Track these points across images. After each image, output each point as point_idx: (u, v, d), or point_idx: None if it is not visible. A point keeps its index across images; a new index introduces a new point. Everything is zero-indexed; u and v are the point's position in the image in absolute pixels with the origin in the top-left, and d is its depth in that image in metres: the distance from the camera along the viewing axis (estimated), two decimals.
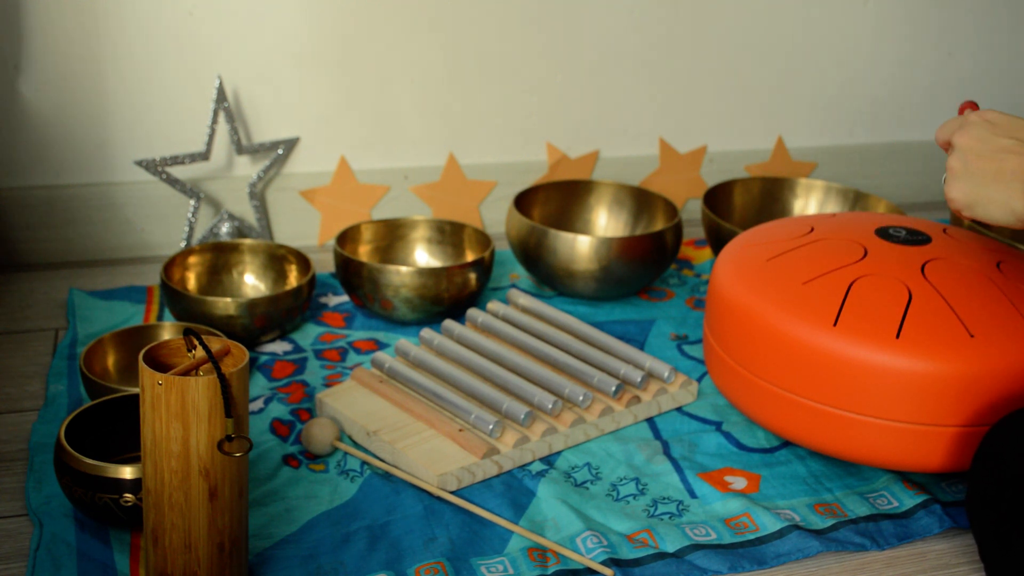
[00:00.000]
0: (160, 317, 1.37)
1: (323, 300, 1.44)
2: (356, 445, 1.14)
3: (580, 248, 1.39)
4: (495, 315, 1.34)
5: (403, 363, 1.23)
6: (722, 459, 1.14)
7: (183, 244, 1.53)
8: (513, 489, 1.08)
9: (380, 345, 1.34)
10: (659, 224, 1.53)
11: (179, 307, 1.29)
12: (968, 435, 1.01)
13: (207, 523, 0.87)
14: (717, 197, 1.58)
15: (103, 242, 1.54)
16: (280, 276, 1.42)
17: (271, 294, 1.30)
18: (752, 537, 1.02)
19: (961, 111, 1.08)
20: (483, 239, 1.43)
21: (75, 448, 0.99)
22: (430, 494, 1.06)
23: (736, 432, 1.19)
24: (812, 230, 1.17)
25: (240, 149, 1.52)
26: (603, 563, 0.97)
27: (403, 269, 1.32)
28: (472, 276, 1.36)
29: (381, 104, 1.60)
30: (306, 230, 1.62)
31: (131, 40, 1.46)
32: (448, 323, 1.30)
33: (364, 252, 1.46)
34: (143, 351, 0.88)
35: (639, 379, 1.20)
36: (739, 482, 1.11)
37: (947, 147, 1.01)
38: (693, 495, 1.08)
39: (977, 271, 1.08)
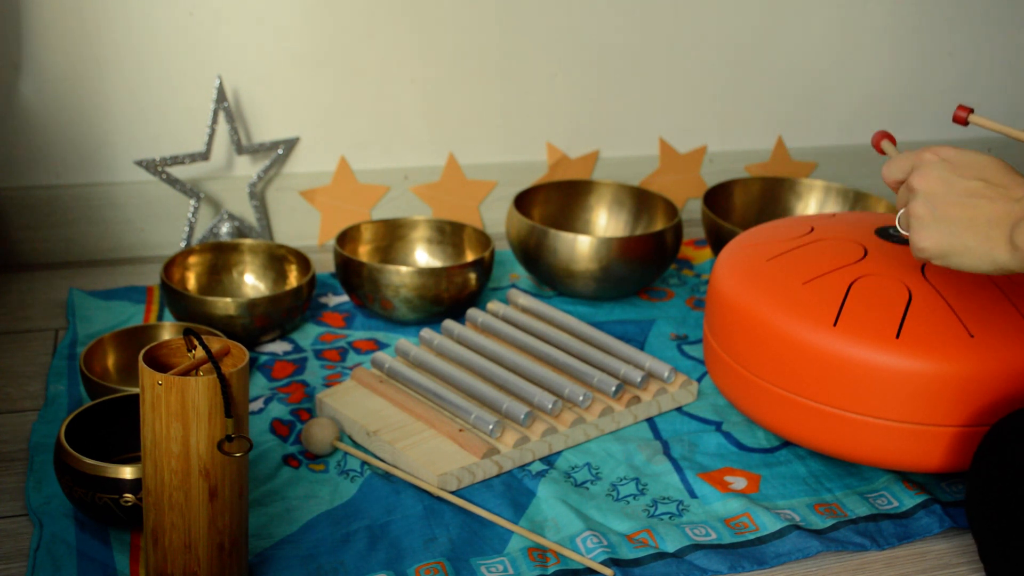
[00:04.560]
0: (160, 317, 1.37)
1: (323, 300, 1.44)
2: (356, 445, 1.14)
3: (580, 248, 1.39)
4: (495, 315, 1.34)
5: (403, 363, 1.23)
6: (722, 459, 1.14)
7: (183, 244, 1.53)
8: (513, 489, 1.08)
9: (380, 345, 1.34)
10: (659, 224, 1.53)
11: (179, 307, 1.29)
12: (968, 435, 1.01)
13: (207, 523, 0.87)
14: (717, 197, 1.58)
15: (103, 242, 1.54)
16: (280, 276, 1.42)
17: (271, 294, 1.30)
18: (752, 537, 1.02)
19: (876, 143, 1.02)
20: (483, 239, 1.43)
21: (75, 448, 0.99)
22: (430, 494, 1.06)
23: (736, 432, 1.19)
24: (812, 230, 1.17)
25: (240, 149, 1.52)
26: (603, 563, 0.97)
27: (403, 269, 1.32)
28: (472, 276, 1.36)
29: (381, 104, 1.60)
30: (306, 230, 1.62)
31: (131, 40, 1.46)
32: (448, 323, 1.30)
33: (364, 252, 1.46)
34: (143, 351, 0.88)
35: (639, 379, 1.20)
36: (739, 482, 1.11)
37: (897, 187, 0.94)
38: (693, 495, 1.08)
39: None
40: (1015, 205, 0.85)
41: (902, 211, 0.92)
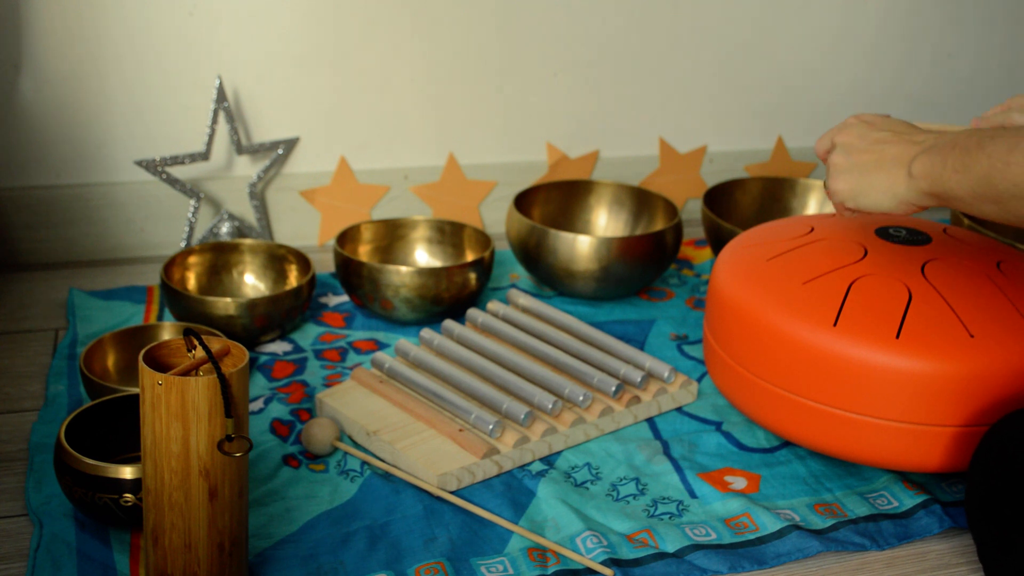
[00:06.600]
0: (160, 317, 1.37)
1: (323, 300, 1.44)
2: (356, 445, 1.14)
3: (580, 248, 1.39)
4: (495, 315, 1.34)
5: (403, 363, 1.23)
6: (722, 459, 1.14)
7: (183, 244, 1.53)
8: (513, 489, 1.08)
9: (380, 345, 1.34)
10: (659, 224, 1.53)
11: (179, 307, 1.29)
12: (968, 435, 1.01)
13: (207, 523, 0.87)
14: (717, 197, 1.58)
15: (103, 242, 1.54)
16: (280, 276, 1.42)
17: (271, 294, 1.30)
18: (752, 537, 1.02)
19: None
20: (483, 239, 1.43)
21: (75, 448, 0.99)
22: (430, 494, 1.06)
23: (736, 432, 1.19)
24: (812, 230, 1.17)
25: (240, 149, 1.52)
26: (603, 563, 0.97)
27: (403, 269, 1.32)
28: (472, 276, 1.36)
29: (381, 104, 1.60)
30: (306, 230, 1.62)
31: (131, 40, 1.46)
32: (448, 323, 1.30)
33: (364, 252, 1.46)
34: (143, 351, 0.88)
35: (639, 379, 1.20)
36: (739, 482, 1.11)
37: (826, 155, 1.04)
38: (693, 495, 1.08)
39: (977, 271, 1.08)
40: (914, 146, 0.96)
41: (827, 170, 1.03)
